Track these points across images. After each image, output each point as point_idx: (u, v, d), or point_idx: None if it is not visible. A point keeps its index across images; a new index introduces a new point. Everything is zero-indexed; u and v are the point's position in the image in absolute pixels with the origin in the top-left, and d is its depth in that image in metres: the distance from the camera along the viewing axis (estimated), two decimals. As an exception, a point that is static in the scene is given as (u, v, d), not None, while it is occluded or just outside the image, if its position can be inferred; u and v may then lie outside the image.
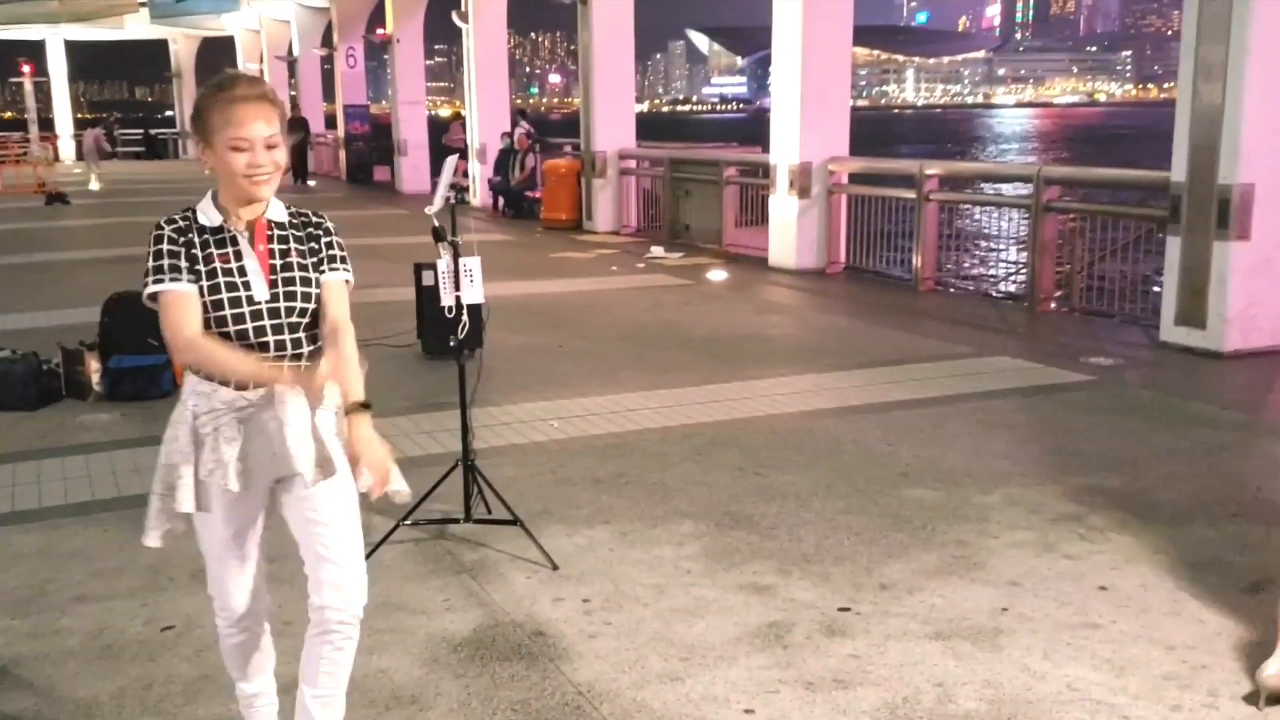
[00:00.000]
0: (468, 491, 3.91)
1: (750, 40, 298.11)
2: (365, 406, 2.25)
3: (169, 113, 47.86)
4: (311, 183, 22.50)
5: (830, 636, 3.15)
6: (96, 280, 8.96)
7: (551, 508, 4.20)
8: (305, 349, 2.27)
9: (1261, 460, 4.75)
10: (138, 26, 33.57)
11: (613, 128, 13.73)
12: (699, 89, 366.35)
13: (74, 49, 36.66)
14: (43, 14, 30.94)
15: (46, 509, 4.29)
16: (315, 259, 2.28)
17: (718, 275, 10.22)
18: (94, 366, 5.90)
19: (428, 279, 6.62)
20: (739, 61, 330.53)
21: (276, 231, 2.26)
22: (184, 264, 2.18)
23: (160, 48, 38.06)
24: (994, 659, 3.01)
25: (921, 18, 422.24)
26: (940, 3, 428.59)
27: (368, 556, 3.71)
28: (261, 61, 30.18)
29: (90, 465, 4.81)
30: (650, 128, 16.26)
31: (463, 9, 16.63)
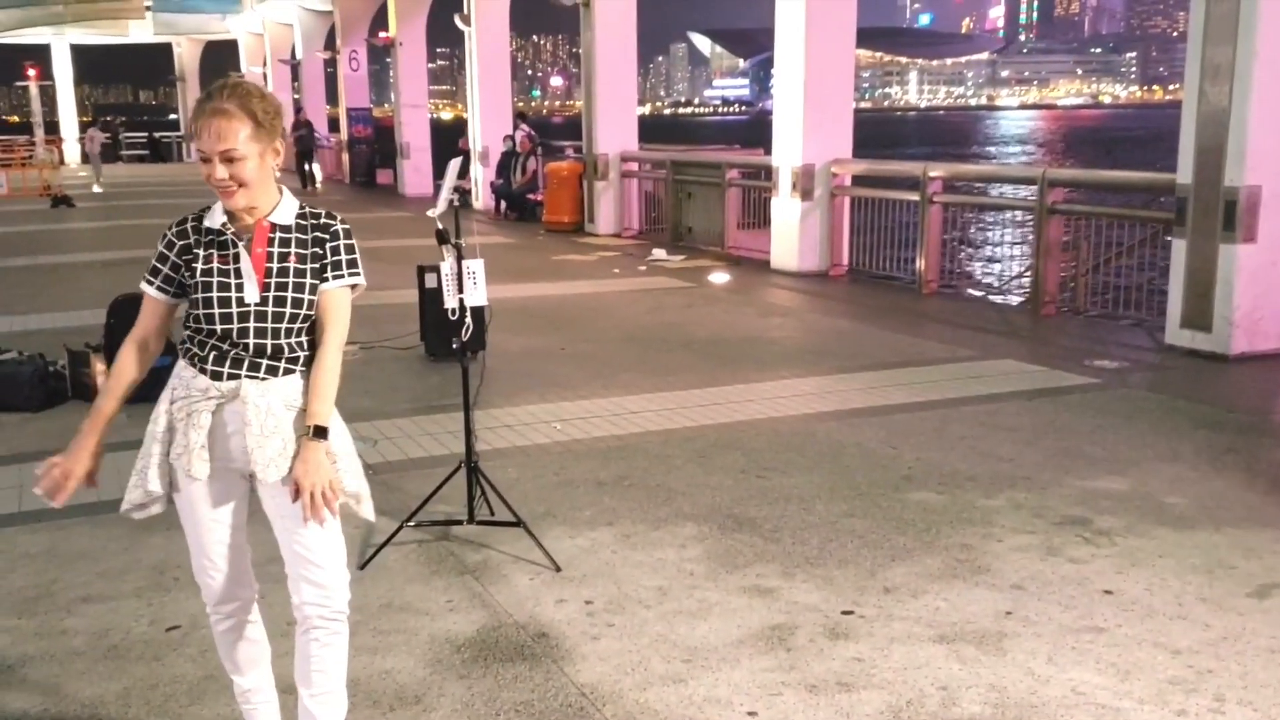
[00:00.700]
0: (471, 493, 3.91)
1: (752, 43, 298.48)
2: (320, 432, 2.24)
3: (172, 116, 47.99)
4: (317, 185, 22.54)
5: (834, 639, 3.15)
6: (101, 282, 8.98)
7: (554, 510, 4.20)
8: (297, 353, 2.29)
9: (1267, 464, 4.74)
10: (142, 30, 33.69)
11: (615, 130, 13.74)
12: (701, 91, 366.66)
13: (79, 53, 36.76)
14: (49, 16, 31.05)
15: (52, 510, 4.24)
16: (317, 264, 2.29)
17: (720, 278, 10.23)
18: (99, 368, 5.91)
19: (431, 281, 6.63)
20: (741, 64, 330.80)
21: (279, 234, 2.28)
22: (166, 268, 2.29)
23: (164, 52, 38.19)
24: (998, 662, 3.01)
25: (924, 19, 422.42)
26: (943, 4, 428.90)
27: (371, 558, 3.75)
28: (265, 65, 30.27)
29: (94, 467, 4.81)
30: (652, 130, 16.26)
31: (465, 12, 16.66)
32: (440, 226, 3.81)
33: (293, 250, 2.27)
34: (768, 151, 11.03)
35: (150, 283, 2.31)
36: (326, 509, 2.23)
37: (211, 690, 2.90)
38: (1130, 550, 3.76)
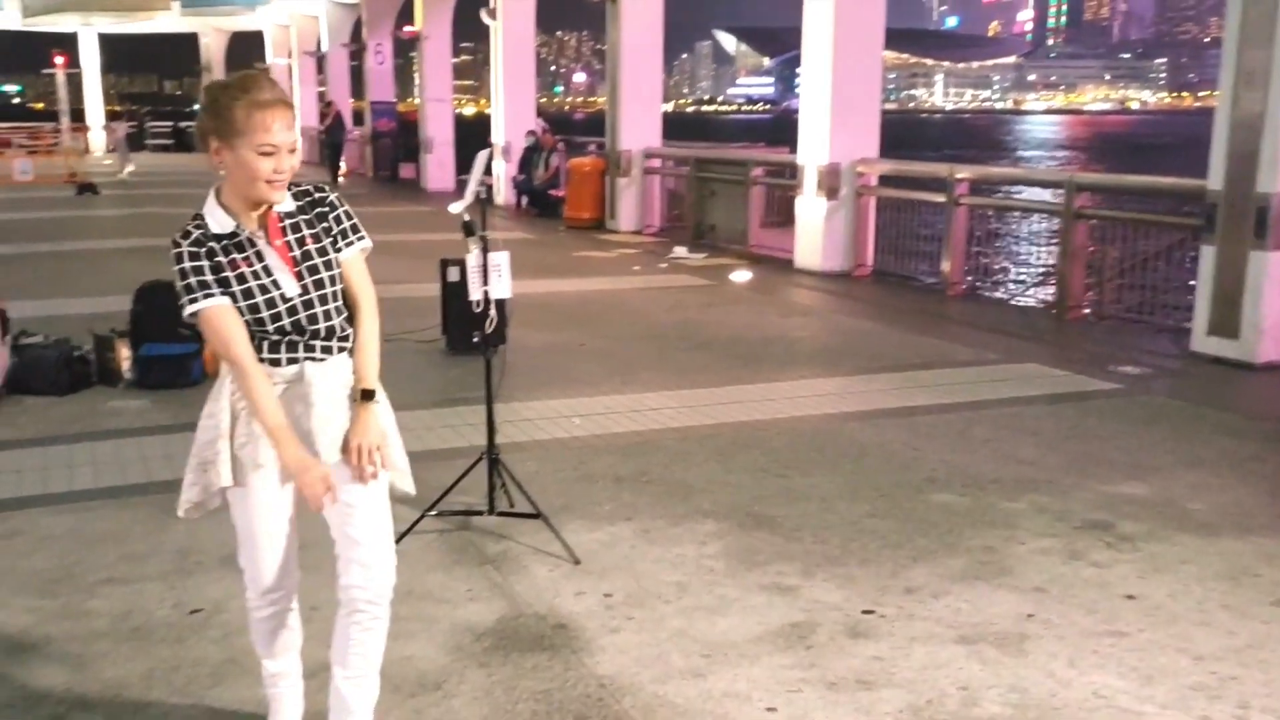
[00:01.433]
0: (491, 485, 3.93)
1: (777, 41, 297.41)
2: (369, 394, 2.32)
3: (197, 106, 48.25)
4: (341, 180, 22.62)
5: (854, 638, 3.14)
6: (127, 269, 9.05)
7: (573, 503, 4.20)
8: (346, 330, 2.35)
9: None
10: (169, 20, 33.93)
11: (639, 127, 13.72)
12: (725, 89, 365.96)
13: (106, 42, 37.07)
14: (78, 2, 31.32)
15: (77, 492, 4.34)
16: (330, 239, 2.33)
17: (742, 276, 10.20)
18: (125, 354, 5.97)
19: (453, 275, 6.65)
20: (766, 62, 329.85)
21: (288, 222, 2.29)
22: (210, 277, 2.21)
23: (190, 41, 38.42)
24: (1019, 664, 2.99)
25: (951, 22, 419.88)
26: (971, 7, 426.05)
27: (393, 546, 3.77)
28: (290, 56, 30.40)
29: (120, 450, 4.86)
30: (675, 127, 16.21)
31: (491, 7, 16.68)
32: (467, 218, 3.83)
33: (305, 233, 2.30)
34: (791, 150, 11.00)
35: (210, 295, 2.20)
36: (375, 467, 2.29)
37: (234, 673, 2.92)
38: (1153, 556, 3.73)
